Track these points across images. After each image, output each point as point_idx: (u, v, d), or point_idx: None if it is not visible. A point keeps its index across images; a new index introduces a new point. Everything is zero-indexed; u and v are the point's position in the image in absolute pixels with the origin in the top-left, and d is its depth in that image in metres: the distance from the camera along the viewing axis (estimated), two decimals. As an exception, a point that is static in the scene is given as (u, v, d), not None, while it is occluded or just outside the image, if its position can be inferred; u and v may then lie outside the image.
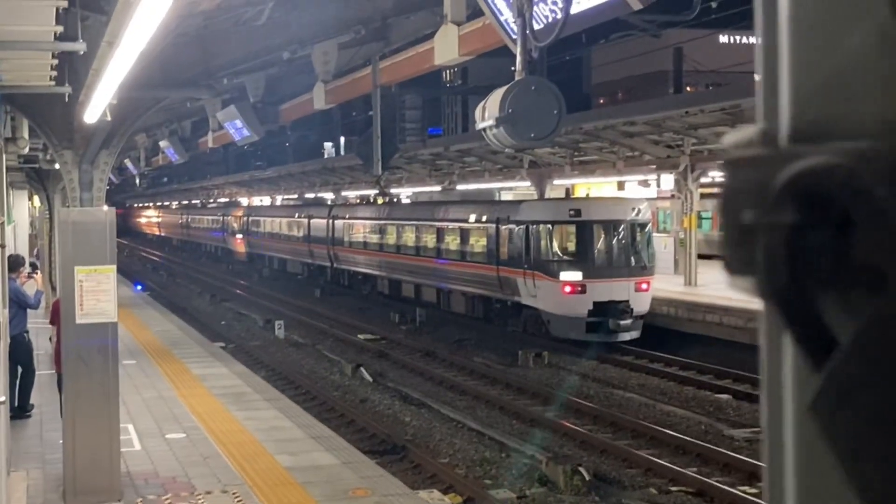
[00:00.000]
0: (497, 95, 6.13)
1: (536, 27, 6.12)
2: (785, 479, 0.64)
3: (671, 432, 15.69)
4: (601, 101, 73.94)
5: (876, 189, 0.54)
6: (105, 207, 10.62)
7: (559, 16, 5.93)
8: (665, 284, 25.50)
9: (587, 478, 13.19)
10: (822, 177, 0.56)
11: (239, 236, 54.88)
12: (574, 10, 5.97)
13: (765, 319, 0.64)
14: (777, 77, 0.64)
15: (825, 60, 0.61)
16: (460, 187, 37.74)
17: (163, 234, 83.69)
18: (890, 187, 0.54)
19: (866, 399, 0.54)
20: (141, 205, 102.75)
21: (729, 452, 14.46)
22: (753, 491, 12.95)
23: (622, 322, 23.05)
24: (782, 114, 0.63)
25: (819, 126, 0.61)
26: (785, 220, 0.57)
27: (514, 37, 6.28)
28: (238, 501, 10.29)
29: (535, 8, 6.10)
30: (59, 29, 6.40)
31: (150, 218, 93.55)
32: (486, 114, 6.20)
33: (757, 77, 0.66)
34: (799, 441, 0.63)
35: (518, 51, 6.16)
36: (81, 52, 7.08)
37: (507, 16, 6.68)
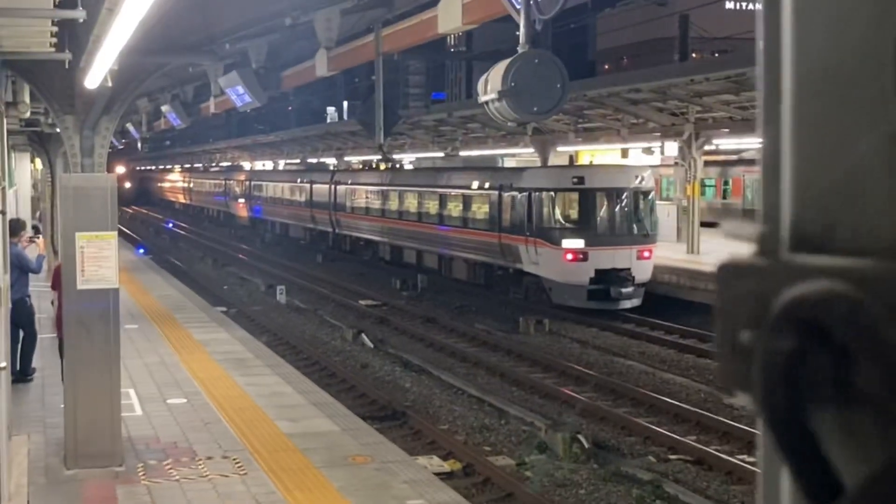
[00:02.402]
0: (500, 69, 6.07)
1: (540, -2, 6.07)
2: None
3: (671, 400, 15.75)
4: (606, 67, 73.59)
5: (880, 326, 0.50)
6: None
7: (563, -13, 5.88)
8: (667, 252, 25.49)
9: (586, 445, 13.25)
10: (824, 307, 0.53)
11: (241, 201, 54.89)
12: (577, -19, 5.92)
13: (762, 443, 0.61)
14: (779, 174, 0.60)
15: (831, 163, 0.57)
16: (463, 153, 37.64)
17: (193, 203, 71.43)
18: (893, 322, 0.50)
19: None
20: (159, 168, 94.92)
21: (728, 421, 14.52)
22: (752, 459, 13.01)
23: (623, 290, 23.08)
24: (783, 215, 0.60)
25: (821, 234, 0.57)
26: (784, 345, 0.55)
27: (518, 7, 6.22)
28: (238, 467, 10.35)
29: (538, -21, 6.04)
30: (59, -4, 6.35)
31: (174, 183, 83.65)
32: (489, 87, 6.14)
33: (758, 170, 0.63)
34: None
35: (522, 23, 6.09)
36: (81, 20, 7.03)
37: (511, -14, 6.62)
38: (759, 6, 0.65)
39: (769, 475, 0.62)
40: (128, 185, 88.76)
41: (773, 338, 0.55)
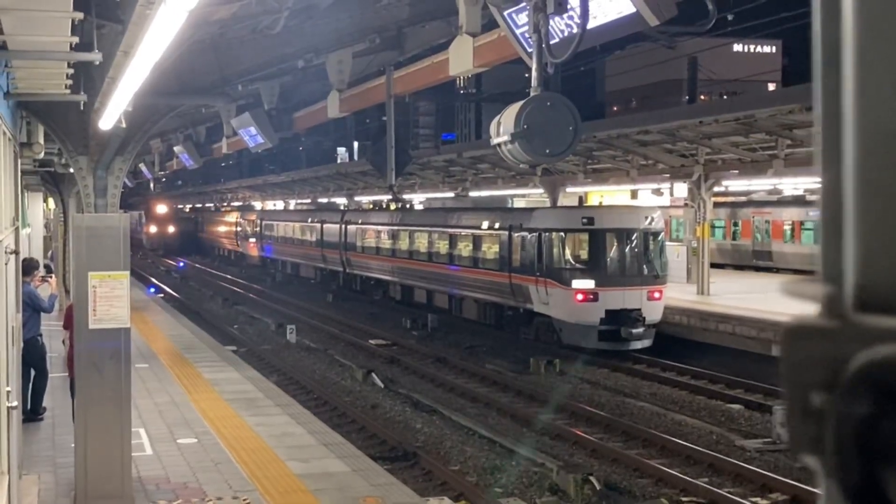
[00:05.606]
0: (512, 111, 6.12)
1: (552, 41, 6.12)
2: None
3: (682, 442, 15.65)
4: (615, 108, 73.93)
5: None
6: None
7: (575, 30, 5.92)
8: (677, 293, 25.44)
9: (598, 487, 13.16)
10: None
11: (252, 240, 55.04)
12: (590, 25, 5.96)
13: (827, 498, 0.59)
14: (842, 235, 0.58)
15: None
16: (473, 194, 37.74)
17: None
18: None
19: None
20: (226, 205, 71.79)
21: (740, 463, 14.42)
22: (765, 502, 12.91)
23: (634, 330, 23.01)
24: (847, 275, 0.58)
25: (888, 292, 0.55)
26: (858, 409, 0.53)
27: (530, 50, 6.28)
28: (249, 508, 10.29)
29: (551, 22, 6.09)
30: (75, 39, 6.42)
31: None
32: (501, 129, 6.18)
33: (819, 222, 0.61)
34: None
35: (534, 66, 6.15)
36: (97, 63, 7.12)
37: (524, 29, 6.67)
38: (816, 69, 0.63)
39: None
40: (171, 229, 72.68)
41: (846, 401, 0.54)
